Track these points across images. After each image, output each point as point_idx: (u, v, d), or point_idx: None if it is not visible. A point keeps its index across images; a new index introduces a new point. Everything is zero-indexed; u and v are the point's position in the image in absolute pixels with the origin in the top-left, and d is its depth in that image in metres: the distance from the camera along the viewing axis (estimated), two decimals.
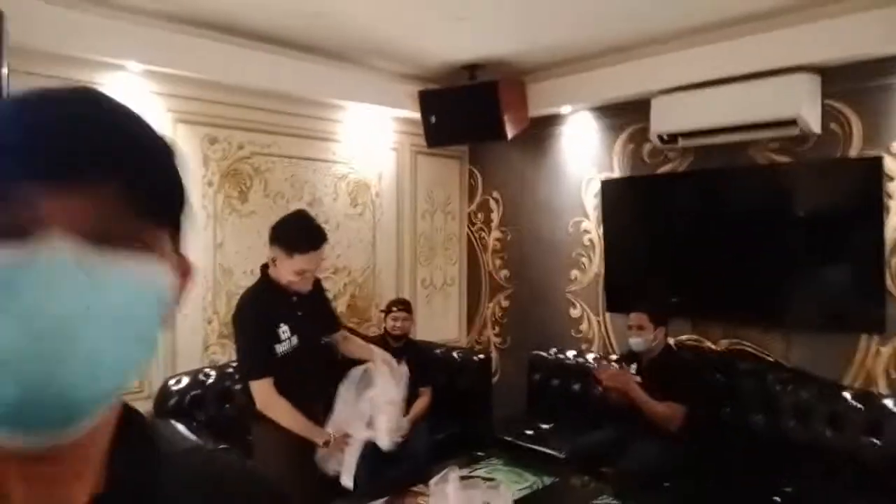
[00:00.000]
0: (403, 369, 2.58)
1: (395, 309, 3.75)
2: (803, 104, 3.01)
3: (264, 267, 2.39)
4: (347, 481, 2.33)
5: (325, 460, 2.36)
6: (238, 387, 2.78)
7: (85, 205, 0.40)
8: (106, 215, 0.41)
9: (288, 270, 2.27)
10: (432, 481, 2.15)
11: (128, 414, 0.49)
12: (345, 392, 2.47)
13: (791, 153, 3.31)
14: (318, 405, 2.43)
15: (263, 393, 2.25)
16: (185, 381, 3.22)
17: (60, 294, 0.39)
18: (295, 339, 2.33)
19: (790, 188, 3.31)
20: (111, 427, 0.48)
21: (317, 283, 2.49)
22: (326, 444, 2.32)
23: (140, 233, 0.43)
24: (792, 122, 3.04)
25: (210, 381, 3.23)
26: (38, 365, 0.38)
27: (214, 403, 3.21)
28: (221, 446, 2.73)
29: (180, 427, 3.00)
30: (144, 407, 3.15)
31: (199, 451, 0.54)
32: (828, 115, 3.13)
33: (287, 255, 2.25)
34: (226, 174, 3.57)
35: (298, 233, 2.29)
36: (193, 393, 3.19)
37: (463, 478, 2.33)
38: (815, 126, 3.09)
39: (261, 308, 2.31)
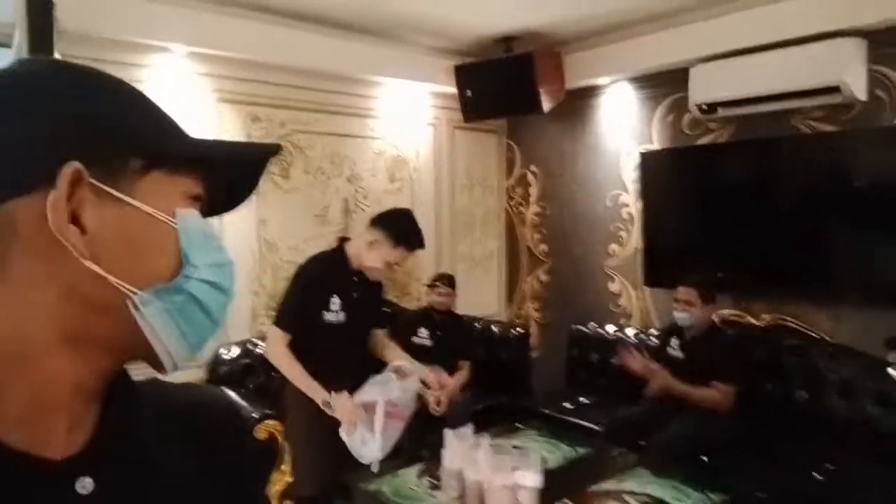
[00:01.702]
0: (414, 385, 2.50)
1: (439, 284, 3.80)
2: (847, 70, 2.92)
3: (342, 239, 2.52)
4: (374, 465, 2.30)
5: (349, 440, 2.34)
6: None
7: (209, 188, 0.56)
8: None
9: (380, 257, 2.37)
10: (464, 446, 2.20)
11: None
12: (378, 377, 2.47)
13: (835, 121, 3.21)
14: (345, 384, 2.38)
15: (274, 342, 2.39)
16: (236, 350, 3.38)
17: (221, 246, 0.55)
18: (342, 315, 2.41)
19: (835, 158, 3.21)
20: None
21: (378, 283, 2.57)
22: (326, 404, 2.32)
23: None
24: (835, 90, 2.95)
25: (258, 350, 3.36)
26: (228, 295, 0.54)
27: (263, 371, 3.31)
28: (268, 412, 2.84)
29: (232, 394, 3.15)
30: (198, 375, 3.32)
31: (156, 383, 0.60)
32: (874, 81, 3.02)
33: (392, 244, 2.36)
34: None
35: (411, 231, 2.44)
36: (244, 362, 3.35)
37: (494, 446, 2.38)
38: (861, 93, 2.99)
39: (319, 272, 2.42)
